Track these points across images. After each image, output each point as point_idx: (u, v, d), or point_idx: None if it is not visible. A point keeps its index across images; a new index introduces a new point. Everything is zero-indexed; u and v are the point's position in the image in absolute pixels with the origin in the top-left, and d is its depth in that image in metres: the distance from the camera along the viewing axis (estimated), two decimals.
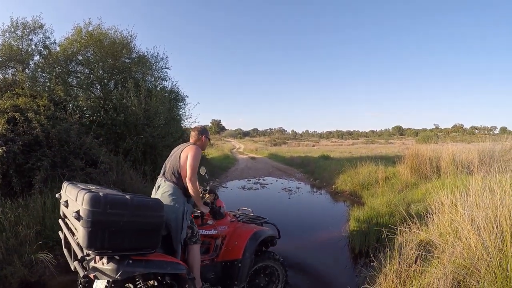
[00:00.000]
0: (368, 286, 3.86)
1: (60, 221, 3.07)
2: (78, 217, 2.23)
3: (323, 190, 12.66)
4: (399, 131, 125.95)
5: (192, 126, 10.01)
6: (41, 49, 10.20)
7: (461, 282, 3.13)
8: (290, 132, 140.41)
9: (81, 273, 2.43)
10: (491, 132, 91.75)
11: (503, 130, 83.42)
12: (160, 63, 13.27)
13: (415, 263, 3.65)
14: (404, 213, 4.92)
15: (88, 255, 2.42)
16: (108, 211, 2.28)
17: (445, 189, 4.65)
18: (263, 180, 15.29)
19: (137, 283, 2.87)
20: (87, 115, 10.15)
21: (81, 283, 3.38)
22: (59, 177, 6.44)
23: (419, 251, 3.82)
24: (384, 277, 3.73)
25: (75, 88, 10.79)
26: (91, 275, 2.49)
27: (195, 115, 32.73)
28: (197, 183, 3.39)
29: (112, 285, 2.78)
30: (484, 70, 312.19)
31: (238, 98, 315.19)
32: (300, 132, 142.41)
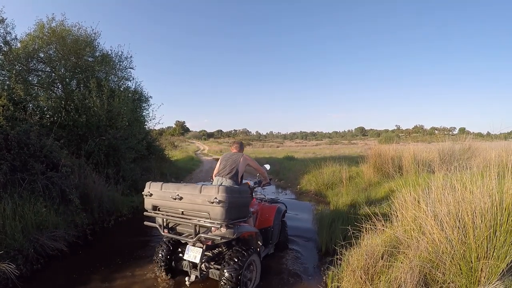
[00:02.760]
0: (338, 284, 3.91)
1: (154, 213, 4.29)
2: (218, 202, 3.55)
3: (289, 190, 12.78)
4: (362, 132, 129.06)
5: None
6: (1, 45, 9.61)
7: (427, 275, 3.23)
8: (255, 133, 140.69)
9: (216, 237, 3.77)
10: (450, 133, 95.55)
11: (462, 130, 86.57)
12: (124, 63, 12.93)
13: (382, 259, 3.73)
14: (369, 211, 5.01)
15: (210, 229, 3.84)
16: (233, 195, 3.70)
17: (408, 187, 4.77)
18: None
19: (218, 248, 4.49)
20: (47, 115, 9.59)
21: (164, 255, 4.57)
22: (19, 182, 6.13)
23: (385, 247, 3.90)
24: (352, 274, 3.78)
25: (36, 87, 10.27)
26: (200, 241, 4.00)
27: (158, 116, 32.15)
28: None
29: (206, 251, 4.23)
30: (444, 72, 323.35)
31: (202, 100, 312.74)
32: (265, 133, 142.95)
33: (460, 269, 3.05)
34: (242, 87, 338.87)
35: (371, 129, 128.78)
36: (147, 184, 4.35)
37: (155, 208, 4.27)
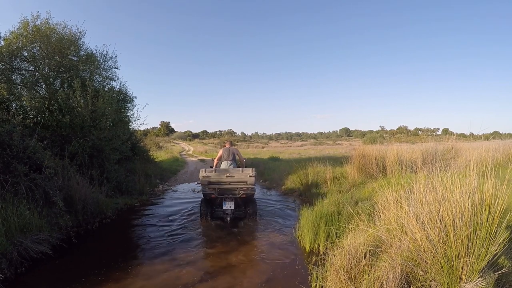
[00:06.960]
0: (321, 283, 3.95)
1: (210, 186, 7.53)
2: (253, 176, 7.45)
3: (273, 191, 12.78)
4: (347, 133, 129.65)
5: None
6: None
7: (409, 274, 3.29)
8: (240, 134, 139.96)
9: (250, 192, 7.62)
10: (434, 133, 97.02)
11: (445, 131, 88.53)
12: (108, 62, 12.70)
13: (365, 258, 3.78)
14: (352, 211, 5.07)
15: (245, 189, 7.57)
16: (254, 172, 7.56)
17: (391, 187, 4.85)
18: None
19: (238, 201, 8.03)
20: (31, 116, 9.29)
21: (208, 209, 7.95)
22: (2, 184, 5.97)
23: (368, 247, 3.96)
24: (335, 274, 3.82)
25: (19, 87, 10.08)
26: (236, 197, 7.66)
27: (143, 117, 31.91)
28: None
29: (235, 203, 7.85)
30: (427, 72, 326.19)
31: (188, 100, 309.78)
32: (250, 134, 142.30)
33: (442, 267, 3.12)
34: (228, 87, 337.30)
35: (356, 130, 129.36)
36: (202, 170, 7.63)
37: (210, 183, 7.48)
